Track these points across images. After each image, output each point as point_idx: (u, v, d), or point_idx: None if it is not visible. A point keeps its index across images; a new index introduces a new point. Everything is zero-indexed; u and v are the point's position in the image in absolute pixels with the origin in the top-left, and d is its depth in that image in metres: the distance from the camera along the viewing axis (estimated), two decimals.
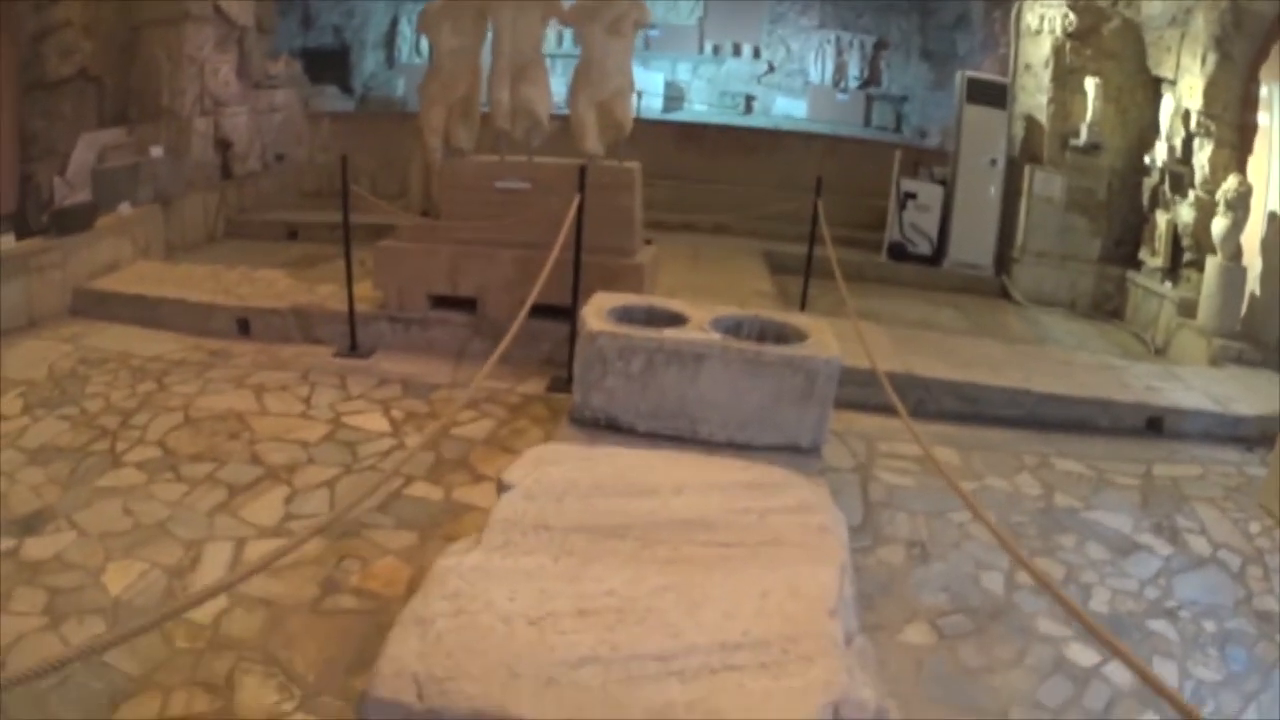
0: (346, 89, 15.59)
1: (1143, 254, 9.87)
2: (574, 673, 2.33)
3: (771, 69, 16.48)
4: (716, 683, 2.33)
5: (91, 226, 8.25)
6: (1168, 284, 9.26)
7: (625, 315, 5.22)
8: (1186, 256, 9.10)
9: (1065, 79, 10.25)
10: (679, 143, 12.92)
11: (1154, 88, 9.98)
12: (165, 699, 3.57)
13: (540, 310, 6.31)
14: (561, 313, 6.45)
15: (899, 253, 11.06)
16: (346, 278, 6.90)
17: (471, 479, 5.23)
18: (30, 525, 4.59)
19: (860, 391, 6.07)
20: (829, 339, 5.12)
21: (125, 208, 8.97)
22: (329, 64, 15.48)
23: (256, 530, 4.66)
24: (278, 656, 3.82)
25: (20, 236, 7.53)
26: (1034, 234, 10.46)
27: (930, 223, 11.01)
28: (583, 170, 6.34)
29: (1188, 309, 8.71)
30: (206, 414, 5.82)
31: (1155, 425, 6.57)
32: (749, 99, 16.19)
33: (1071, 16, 10.10)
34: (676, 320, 5.14)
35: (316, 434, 5.66)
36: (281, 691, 3.64)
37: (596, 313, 5.15)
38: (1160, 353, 8.88)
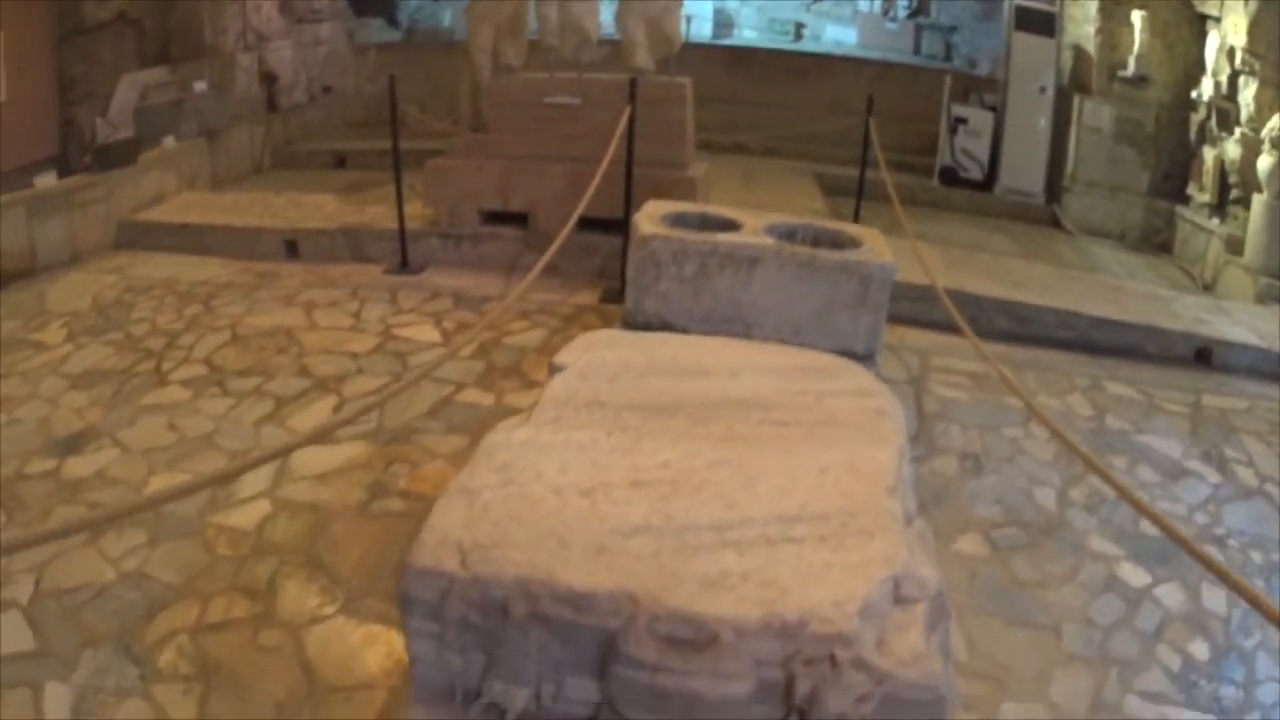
0: (393, 21, 15.46)
1: (1191, 189, 9.71)
2: (626, 541, 2.28)
3: None
4: (774, 553, 2.28)
5: (135, 161, 8.24)
6: (1215, 220, 9.10)
7: (679, 222, 5.13)
8: (1234, 193, 8.94)
9: (1112, 10, 10.09)
10: (728, 67, 12.77)
11: (1199, 24, 9.75)
12: (204, 606, 3.57)
13: (592, 223, 6.37)
14: (614, 225, 6.41)
15: (950, 177, 10.95)
16: (396, 195, 6.90)
17: (523, 385, 5.23)
18: (72, 445, 4.60)
19: (913, 306, 6.05)
20: (883, 246, 5.02)
21: (169, 141, 8.98)
22: None
23: (304, 439, 4.64)
24: (322, 560, 3.82)
25: (62, 176, 7.49)
26: (1083, 163, 10.35)
27: (981, 148, 10.90)
28: (633, 83, 6.25)
29: (1235, 246, 8.57)
30: (254, 331, 5.85)
31: (1204, 356, 6.46)
32: (799, 26, 15.95)
33: None
34: (730, 226, 5.05)
35: (366, 345, 5.69)
36: (324, 595, 3.64)
37: (650, 218, 5.07)
38: (1208, 288, 8.76)
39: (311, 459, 4.43)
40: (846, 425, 2.93)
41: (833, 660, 2.06)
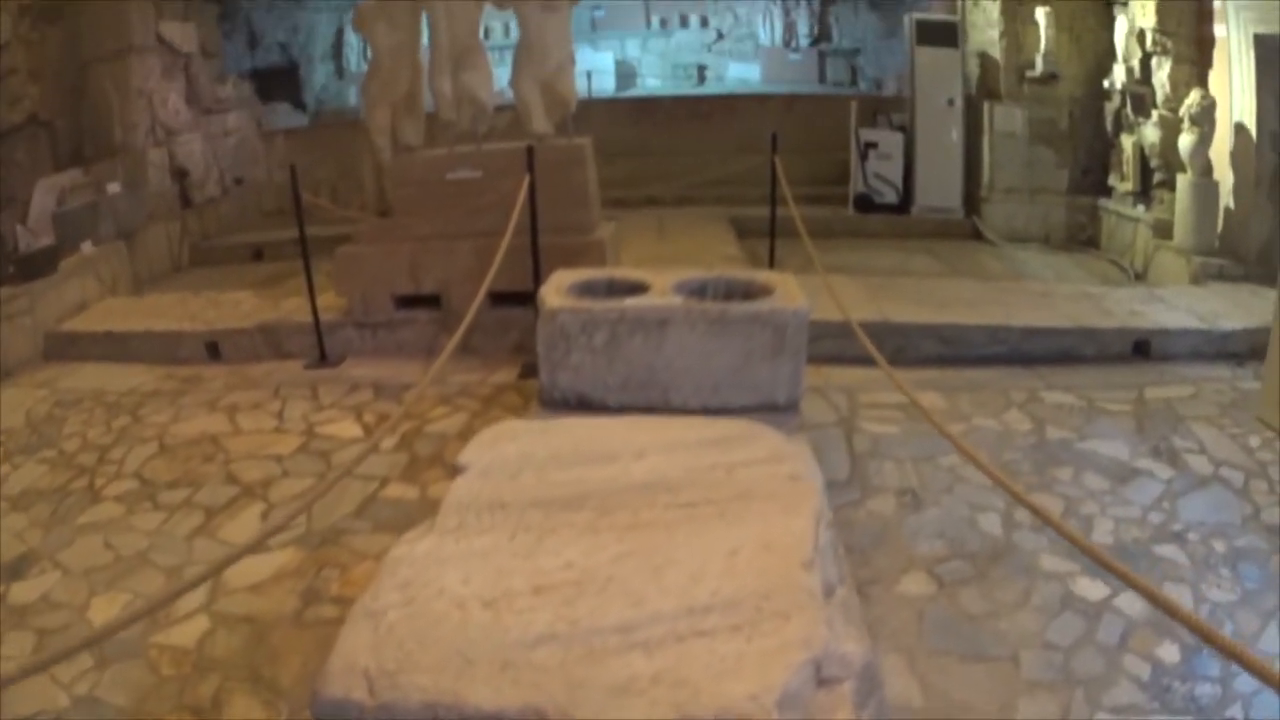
0: (299, 105, 15.46)
1: (1112, 180, 9.77)
2: (531, 653, 2.21)
3: (721, 36, 16.44)
4: (684, 650, 2.22)
5: (55, 269, 8.26)
6: (1140, 207, 9.17)
7: (586, 290, 5.09)
8: (1156, 177, 9.01)
9: (1015, 11, 10.13)
10: (634, 118, 12.78)
11: (1106, 11, 9.88)
12: None
13: (505, 298, 6.39)
14: (527, 298, 6.33)
15: (866, 204, 10.91)
16: (308, 289, 6.86)
17: (447, 474, 5.10)
18: (17, 570, 4.58)
19: (837, 344, 5.98)
20: (795, 291, 4.99)
21: (87, 247, 8.97)
22: (280, 82, 15.35)
23: (235, 550, 4.55)
24: (262, 673, 3.78)
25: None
26: (1000, 170, 10.36)
27: (894, 170, 10.87)
28: (529, 150, 6.24)
29: (1163, 230, 8.63)
30: (180, 440, 5.81)
31: (1142, 349, 6.51)
32: (701, 69, 16.20)
33: None
34: (639, 289, 5.00)
35: (290, 446, 5.65)
36: (268, 708, 3.60)
37: (556, 290, 5.01)
38: (1140, 277, 8.81)
39: (244, 570, 4.36)
40: (759, 497, 2.88)
41: None
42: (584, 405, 4.79)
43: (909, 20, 10.86)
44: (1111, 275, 9.02)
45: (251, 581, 4.36)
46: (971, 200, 10.67)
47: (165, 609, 4.13)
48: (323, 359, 6.92)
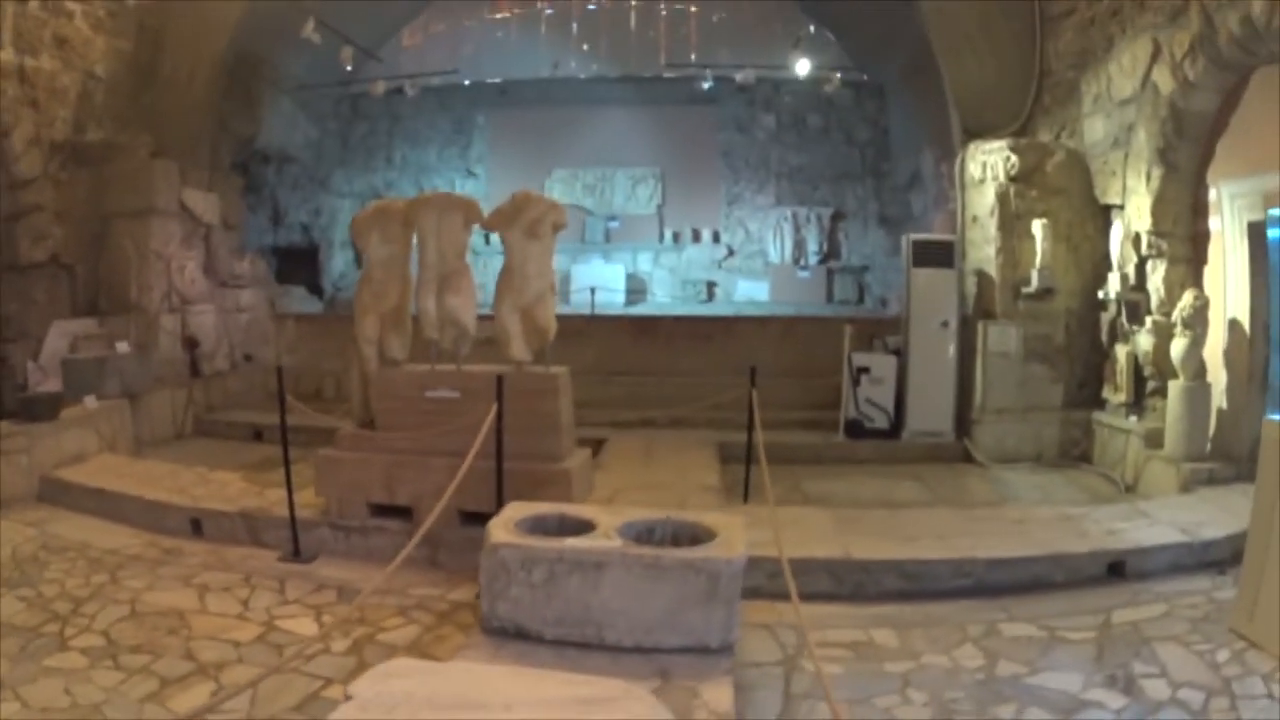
0: (316, 289, 15.79)
1: (1105, 392, 9.79)
2: None
3: (731, 253, 16.74)
4: None
5: (57, 416, 8.77)
6: (1133, 418, 9.16)
7: (538, 524, 5.33)
8: (1150, 386, 9.07)
9: (1012, 225, 10.20)
10: (635, 336, 12.98)
11: (1103, 217, 10.06)
12: None
13: (475, 517, 6.51)
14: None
15: (856, 430, 10.81)
16: (287, 486, 7.09)
17: None
18: None
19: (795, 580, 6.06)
20: (736, 538, 5.16)
21: (91, 401, 9.40)
22: (299, 262, 15.78)
23: None
24: None
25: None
26: (992, 391, 10.26)
27: (885, 395, 10.81)
28: (499, 379, 6.47)
29: (1155, 440, 8.62)
30: (151, 609, 6.13)
31: (1117, 569, 6.48)
32: (710, 285, 16.42)
33: (1013, 159, 10.14)
34: (585, 528, 5.23)
35: (249, 635, 5.82)
36: None
37: (505, 524, 5.24)
38: (1130, 489, 8.78)
39: None
40: None
41: None
42: (521, 635, 4.96)
43: (906, 241, 10.91)
44: (1101, 491, 8.97)
45: None
46: (963, 422, 10.59)
47: None
48: (296, 554, 7.07)
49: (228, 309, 12.63)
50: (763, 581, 6.02)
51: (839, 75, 16.06)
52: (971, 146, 10.85)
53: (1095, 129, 9.99)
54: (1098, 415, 9.88)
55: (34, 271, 10.03)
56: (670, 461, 9.59)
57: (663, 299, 16.30)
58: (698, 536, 5.20)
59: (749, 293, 16.22)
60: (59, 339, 10.01)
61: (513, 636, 4.98)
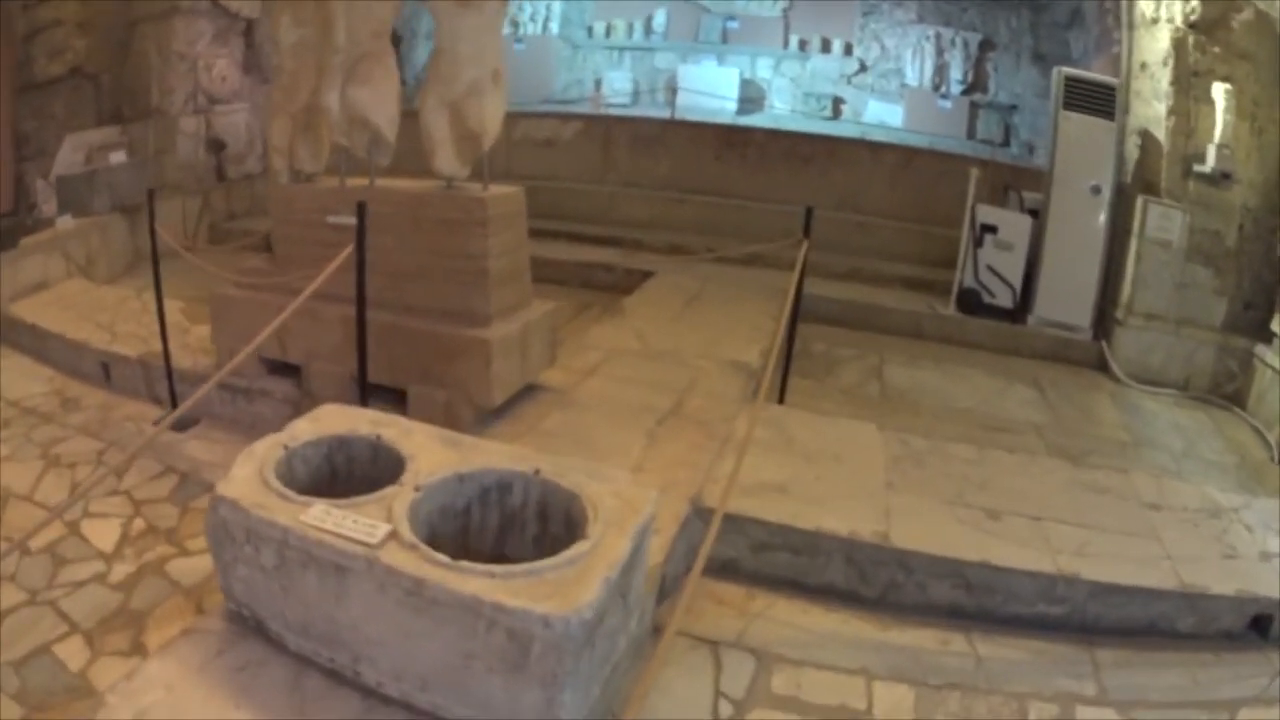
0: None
1: (1275, 324, 7.59)
2: None
3: (864, 68, 14.57)
4: None
5: (16, 245, 7.95)
6: None
7: (340, 447, 3.56)
8: None
9: (1189, 83, 7.97)
10: (720, 150, 10.97)
11: None
12: None
13: (381, 392, 4.96)
14: (403, 396, 5.00)
15: (972, 303, 8.74)
16: (161, 332, 5.70)
17: (133, 648, 3.74)
18: None
19: (794, 560, 4.21)
20: (615, 546, 3.04)
21: (65, 221, 8.69)
22: None
23: None
24: None
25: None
26: (1144, 289, 8.16)
27: (1013, 266, 8.67)
28: (360, 205, 4.63)
29: None
30: None
31: (1261, 626, 4.14)
32: (837, 102, 14.34)
33: (1194, 1, 7.86)
34: (397, 471, 3.36)
35: (45, 539, 4.45)
36: None
37: (270, 449, 3.49)
38: None
39: None
40: None
41: None
42: (263, 633, 3.19)
43: (1058, 74, 8.68)
44: (1252, 453, 6.75)
45: None
46: (1103, 320, 8.52)
47: None
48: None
49: (264, 106, 11.26)
50: (744, 554, 4.26)
51: None
52: None
53: None
54: (1261, 350, 7.68)
55: (52, 86, 9.23)
56: (712, 316, 7.68)
57: (781, 111, 14.17)
58: (573, 519, 3.26)
59: (880, 115, 14.04)
60: (73, 152, 9.18)
61: (252, 630, 3.21)
